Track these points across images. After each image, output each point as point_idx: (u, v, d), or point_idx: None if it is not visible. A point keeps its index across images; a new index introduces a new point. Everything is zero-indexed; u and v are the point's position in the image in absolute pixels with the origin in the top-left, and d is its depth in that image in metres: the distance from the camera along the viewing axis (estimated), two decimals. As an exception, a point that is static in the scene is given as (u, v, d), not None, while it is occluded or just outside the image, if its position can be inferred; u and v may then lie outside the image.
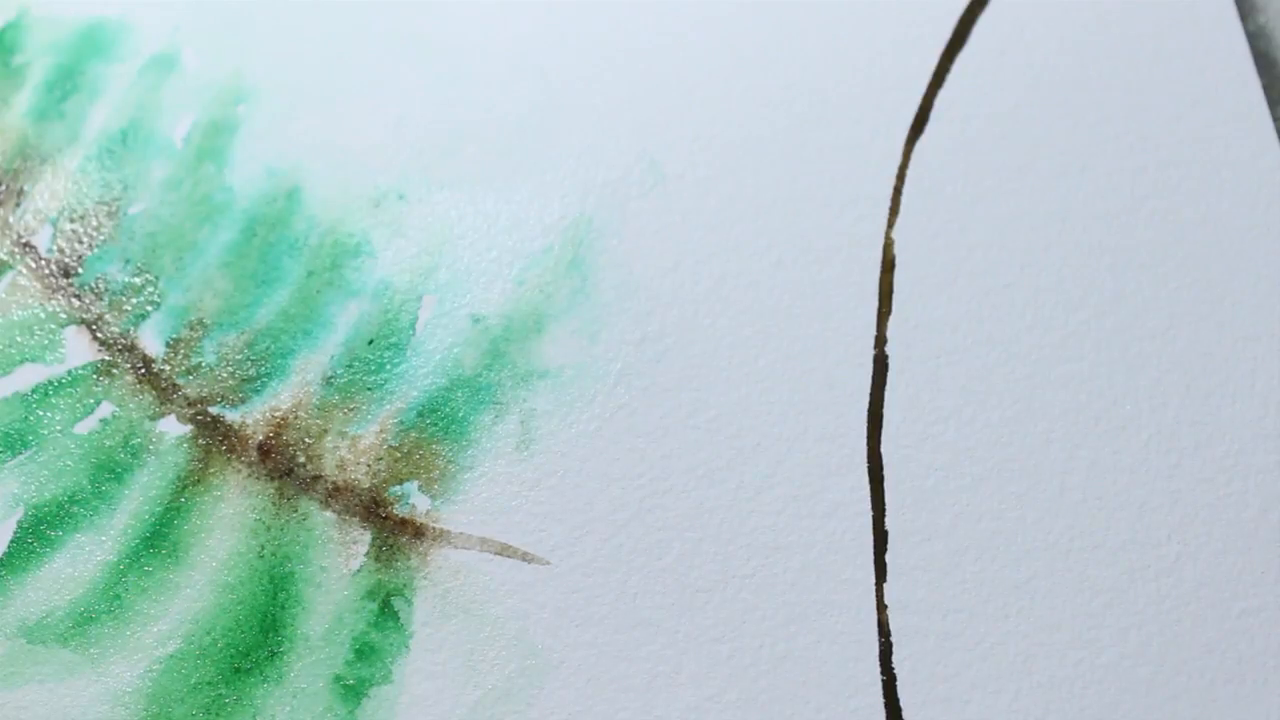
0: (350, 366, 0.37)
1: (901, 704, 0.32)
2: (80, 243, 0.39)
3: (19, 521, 0.35)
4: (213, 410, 0.36)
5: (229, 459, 0.36)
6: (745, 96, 0.40)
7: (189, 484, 0.35)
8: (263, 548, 0.35)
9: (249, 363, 0.37)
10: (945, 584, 0.33)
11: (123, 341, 0.37)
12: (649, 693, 0.33)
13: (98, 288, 0.38)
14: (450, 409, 0.36)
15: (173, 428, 0.36)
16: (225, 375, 0.37)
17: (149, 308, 0.38)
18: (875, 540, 0.34)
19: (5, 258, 0.39)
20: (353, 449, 0.36)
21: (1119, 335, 0.36)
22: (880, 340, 0.36)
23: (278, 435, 0.36)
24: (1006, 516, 0.34)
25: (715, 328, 0.37)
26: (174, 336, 0.37)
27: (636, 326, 0.37)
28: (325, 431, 0.36)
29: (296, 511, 0.35)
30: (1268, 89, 0.40)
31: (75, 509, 0.35)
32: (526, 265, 0.38)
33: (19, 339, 0.37)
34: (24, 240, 0.39)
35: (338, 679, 0.33)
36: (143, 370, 0.37)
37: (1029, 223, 0.38)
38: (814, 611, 0.33)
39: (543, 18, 0.42)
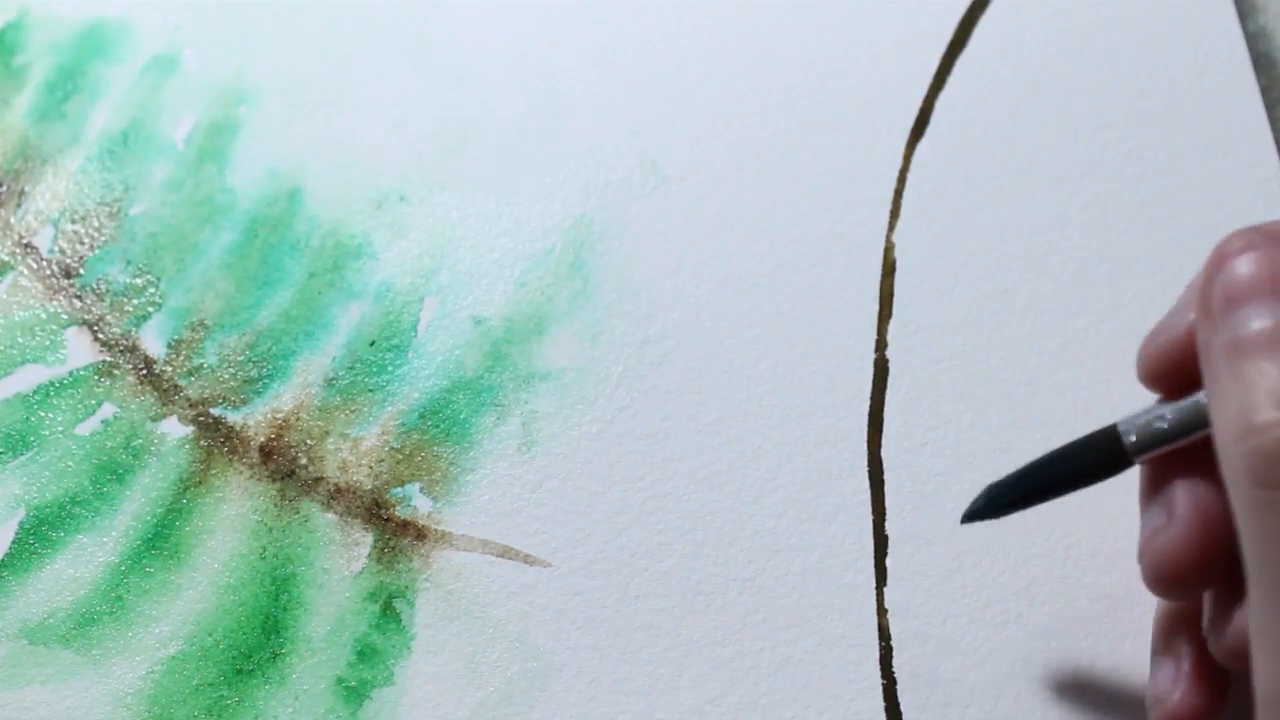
0: (352, 368, 0.37)
1: (902, 707, 0.32)
2: (82, 244, 0.39)
3: (20, 522, 0.35)
4: (214, 412, 0.36)
5: (231, 460, 0.36)
6: (746, 98, 0.40)
7: (190, 485, 0.35)
8: (264, 549, 0.35)
9: (250, 364, 0.37)
10: (945, 589, 0.33)
11: (124, 342, 0.37)
12: (650, 695, 0.33)
13: (99, 289, 0.38)
14: (452, 411, 0.36)
15: (174, 429, 0.36)
16: (227, 376, 0.37)
17: (150, 309, 0.38)
18: (876, 544, 0.34)
19: (7, 258, 0.39)
20: (354, 451, 0.36)
21: (1119, 340, 0.36)
22: (881, 344, 0.37)
23: (279, 437, 0.36)
24: (1006, 521, 0.34)
25: (716, 330, 0.37)
26: (175, 338, 0.37)
27: (638, 329, 0.37)
28: (327, 433, 0.36)
29: (298, 513, 0.35)
30: (1267, 90, 0.40)
31: (77, 510, 0.35)
32: (528, 267, 0.38)
33: (20, 340, 0.37)
34: (25, 241, 0.39)
35: (340, 681, 0.33)
36: (144, 371, 0.37)
37: (1030, 226, 0.38)
38: (815, 615, 0.33)
39: (544, 18, 0.41)
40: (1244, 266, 0.25)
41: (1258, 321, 0.25)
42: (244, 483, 0.35)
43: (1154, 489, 0.29)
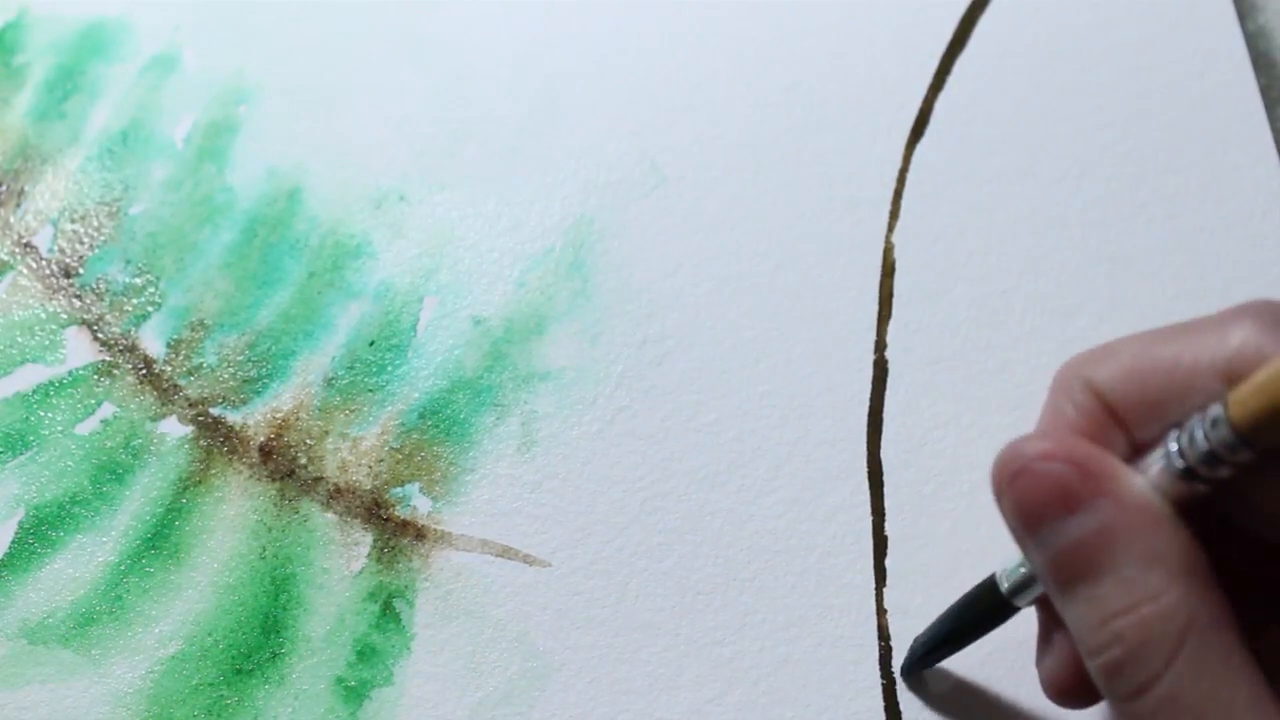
0: (351, 368, 0.37)
1: (901, 707, 0.32)
2: (81, 243, 0.39)
3: (20, 522, 0.35)
4: (214, 411, 0.36)
5: (230, 460, 0.36)
6: (746, 99, 0.40)
7: (190, 485, 0.35)
8: (264, 549, 0.35)
9: (250, 364, 0.37)
10: (944, 589, 0.33)
11: (124, 342, 0.37)
12: (650, 695, 0.33)
13: (99, 288, 0.38)
14: (452, 411, 0.36)
15: (174, 429, 0.36)
16: (226, 376, 0.37)
17: (150, 308, 0.38)
18: (875, 545, 0.34)
19: (6, 258, 0.39)
20: (354, 450, 0.36)
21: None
22: (880, 345, 0.37)
23: (279, 436, 0.36)
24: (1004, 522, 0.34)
25: (716, 331, 0.37)
26: (175, 337, 0.37)
27: (637, 329, 0.37)
28: (326, 433, 0.36)
29: (298, 513, 0.35)
30: (1267, 89, 0.40)
31: (76, 510, 0.35)
32: (528, 267, 0.38)
33: (20, 339, 0.37)
34: (25, 240, 0.39)
35: (339, 680, 0.33)
36: (144, 371, 0.37)
37: (1029, 227, 0.38)
38: (814, 615, 0.34)
39: (543, 18, 0.41)
40: (1028, 487, 0.24)
41: (1058, 544, 0.24)
42: (244, 482, 0.35)
43: (1043, 614, 0.29)
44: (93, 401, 0.36)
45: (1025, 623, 0.33)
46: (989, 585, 0.29)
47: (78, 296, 0.38)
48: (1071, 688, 0.27)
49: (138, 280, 0.38)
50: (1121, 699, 0.23)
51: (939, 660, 0.32)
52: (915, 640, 0.32)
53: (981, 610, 0.29)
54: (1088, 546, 0.23)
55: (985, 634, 0.30)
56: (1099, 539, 0.23)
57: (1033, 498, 0.24)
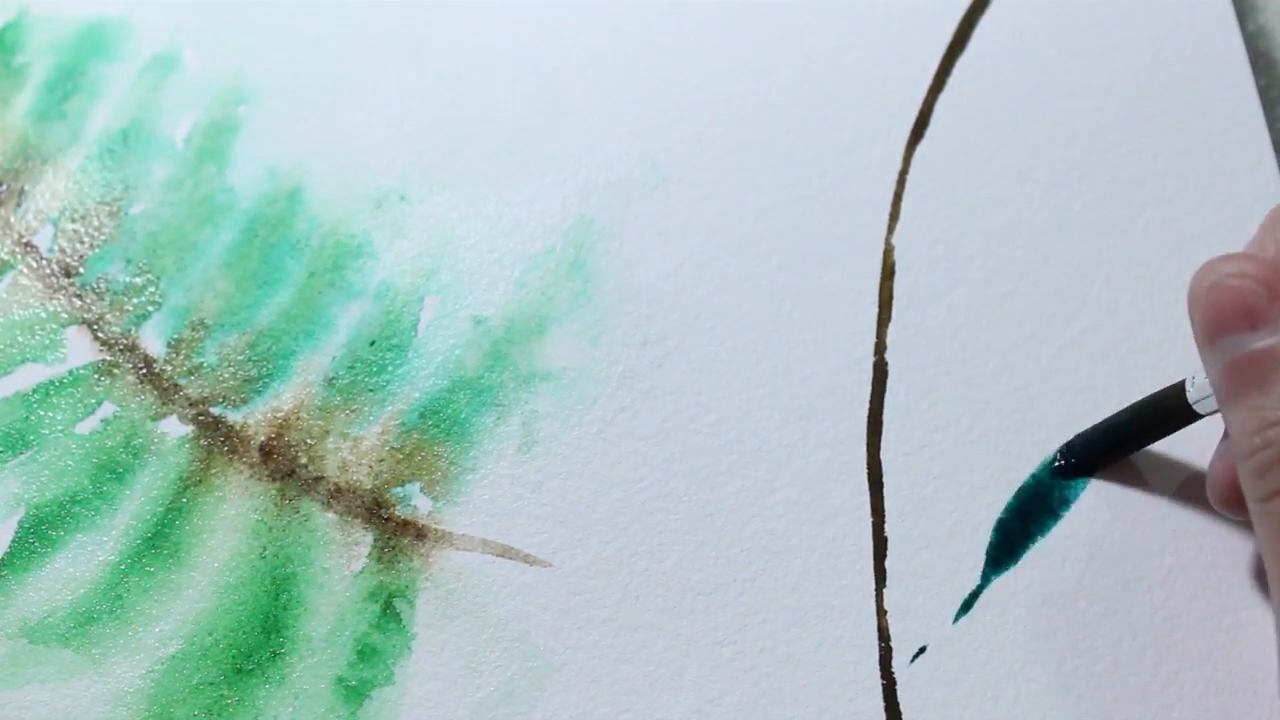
0: (352, 368, 0.37)
1: (901, 707, 0.33)
2: (81, 243, 0.39)
3: (20, 521, 0.35)
4: (214, 411, 0.36)
5: (231, 460, 0.36)
6: (746, 99, 0.40)
7: (190, 485, 0.35)
8: (265, 549, 0.35)
9: (250, 363, 0.37)
10: (944, 590, 0.34)
11: (124, 341, 0.37)
12: (650, 695, 0.33)
13: (99, 288, 0.38)
14: (452, 410, 0.36)
15: (174, 428, 0.36)
16: (227, 376, 0.37)
17: (150, 308, 0.38)
18: (875, 546, 0.34)
19: (6, 257, 0.38)
20: (355, 450, 0.36)
21: (1117, 343, 0.36)
22: (880, 347, 0.37)
23: (279, 436, 0.36)
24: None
25: (716, 332, 0.37)
26: (175, 337, 0.37)
27: (638, 329, 0.37)
28: (327, 433, 0.36)
29: (299, 513, 0.35)
30: (1266, 89, 0.40)
31: (76, 509, 0.35)
32: (528, 267, 0.38)
33: (20, 339, 0.37)
34: (25, 240, 0.39)
35: (340, 680, 0.33)
36: (144, 370, 0.37)
37: (1029, 229, 0.38)
38: (815, 616, 0.34)
39: (544, 18, 0.41)
40: (1217, 299, 0.26)
41: (1234, 354, 0.26)
42: (244, 482, 0.35)
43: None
44: (93, 401, 0.36)
45: (1025, 626, 0.33)
46: (1177, 389, 0.31)
47: (78, 296, 0.38)
48: (1229, 495, 0.30)
49: (138, 280, 0.38)
50: (1260, 499, 0.26)
51: (1104, 463, 0.34)
52: (1075, 437, 0.34)
53: (1165, 409, 0.31)
54: (1260, 360, 0.26)
55: (1159, 438, 0.32)
56: (1271, 355, 0.25)
57: (1220, 309, 0.26)
